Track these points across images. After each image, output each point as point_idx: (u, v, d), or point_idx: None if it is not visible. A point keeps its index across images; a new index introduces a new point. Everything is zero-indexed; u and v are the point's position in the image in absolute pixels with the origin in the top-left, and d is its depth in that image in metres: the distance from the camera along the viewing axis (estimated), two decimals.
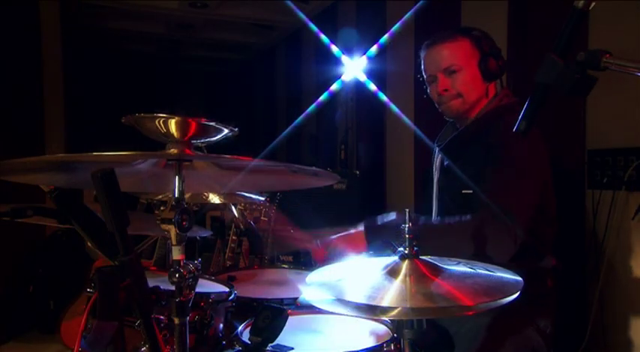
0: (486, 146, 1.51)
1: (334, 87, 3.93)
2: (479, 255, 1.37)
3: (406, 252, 1.03)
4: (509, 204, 1.39)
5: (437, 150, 1.75)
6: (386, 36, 3.35)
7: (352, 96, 4.25)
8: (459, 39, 1.59)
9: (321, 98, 4.16)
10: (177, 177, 1.01)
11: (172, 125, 0.96)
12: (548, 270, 1.58)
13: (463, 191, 1.54)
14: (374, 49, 3.42)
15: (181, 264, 0.99)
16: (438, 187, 1.70)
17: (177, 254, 1.00)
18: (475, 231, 1.38)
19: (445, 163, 1.66)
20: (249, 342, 1.19)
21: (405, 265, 1.01)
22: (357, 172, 3.69)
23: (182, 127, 0.97)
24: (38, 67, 4.05)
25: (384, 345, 1.24)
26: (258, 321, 1.19)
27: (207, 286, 1.62)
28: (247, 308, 1.56)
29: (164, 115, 0.95)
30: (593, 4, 0.89)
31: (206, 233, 2.00)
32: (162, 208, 0.98)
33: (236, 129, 1.03)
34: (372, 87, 3.47)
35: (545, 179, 1.54)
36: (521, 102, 1.60)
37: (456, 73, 1.58)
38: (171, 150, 0.99)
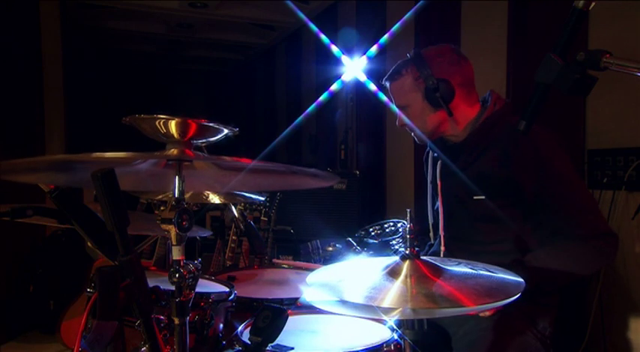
0: (498, 154, 1.52)
1: (334, 87, 3.93)
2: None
3: (407, 252, 1.03)
4: (594, 226, 1.44)
5: (431, 159, 1.76)
6: (386, 36, 3.35)
7: (352, 96, 4.25)
8: (402, 76, 1.62)
9: (321, 98, 4.16)
10: (177, 177, 1.01)
11: (172, 126, 0.96)
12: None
13: (475, 197, 1.55)
14: (374, 49, 3.42)
15: (181, 263, 0.99)
16: (444, 195, 1.69)
17: (177, 254, 1.00)
18: (585, 253, 1.44)
19: (452, 170, 1.66)
20: (249, 342, 1.19)
21: (405, 266, 1.01)
22: (357, 172, 3.70)
23: (182, 128, 0.97)
24: (38, 67, 4.05)
25: (384, 345, 1.23)
26: (258, 321, 1.19)
27: (207, 286, 1.62)
28: (247, 308, 1.56)
29: (164, 116, 0.95)
30: (593, 4, 0.89)
31: (206, 233, 1.99)
32: (162, 208, 0.98)
33: (236, 129, 1.03)
34: (372, 87, 3.47)
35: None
36: (512, 102, 1.61)
37: (406, 109, 1.65)
38: (172, 150, 0.99)
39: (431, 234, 1.84)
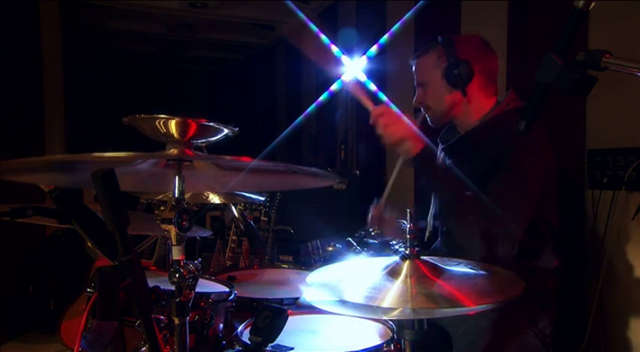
0: (495, 152, 1.52)
1: (334, 87, 3.93)
2: (473, 239, 1.45)
3: (407, 252, 1.03)
4: (510, 207, 1.41)
5: (440, 148, 1.76)
6: (386, 36, 3.34)
7: (352, 96, 4.24)
8: (426, 54, 1.68)
9: (321, 98, 4.16)
10: (177, 177, 1.01)
11: (172, 125, 0.96)
12: (550, 271, 1.58)
13: (467, 193, 1.55)
14: (374, 49, 3.42)
15: (181, 263, 0.99)
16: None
17: (177, 254, 1.00)
18: (482, 213, 1.41)
19: (447, 163, 1.67)
20: (249, 342, 1.19)
21: (405, 266, 1.01)
22: (357, 172, 3.69)
23: (182, 128, 0.97)
24: (38, 67, 4.05)
25: (384, 345, 1.23)
26: (258, 321, 1.19)
27: (207, 286, 1.62)
28: (247, 308, 1.56)
29: (164, 116, 0.95)
30: (593, 4, 0.89)
31: (206, 233, 2.00)
32: (162, 208, 0.98)
33: (236, 129, 1.03)
34: (372, 87, 3.47)
35: (548, 183, 1.54)
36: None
37: (425, 86, 1.69)
38: (172, 150, 0.99)
39: (429, 220, 1.85)
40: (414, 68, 1.72)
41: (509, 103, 1.62)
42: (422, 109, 1.73)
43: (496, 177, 1.47)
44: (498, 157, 1.50)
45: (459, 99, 1.63)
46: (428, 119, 1.73)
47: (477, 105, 1.63)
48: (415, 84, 1.73)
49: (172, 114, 0.96)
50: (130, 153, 0.88)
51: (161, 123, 0.96)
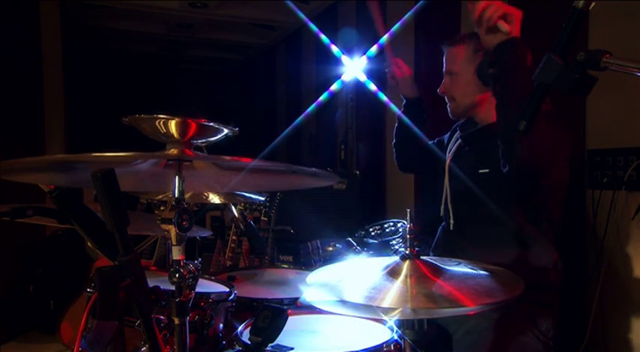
0: None
1: (334, 87, 3.93)
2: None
3: (407, 252, 1.03)
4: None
5: (457, 135, 1.77)
6: (386, 36, 3.34)
7: (352, 96, 4.25)
8: (462, 44, 1.65)
9: (321, 98, 4.16)
10: (177, 177, 1.01)
11: (172, 126, 0.96)
12: (550, 265, 1.58)
13: (480, 171, 1.58)
14: (374, 49, 3.42)
15: (181, 263, 0.99)
16: (451, 168, 1.72)
17: (177, 254, 1.00)
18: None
19: (466, 148, 1.69)
20: (249, 342, 1.19)
21: (405, 266, 1.01)
22: (357, 172, 3.69)
23: (182, 128, 0.97)
24: (38, 67, 4.05)
25: (384, 345, 1.23)
26: (258, 321, 1.19)
27: (207, 286, 1.62)
28: (247, 308, 1.56)
29: (164, 116, 0.95)
30: (593, 4, 0.89)
31: (206, 233, 2.00)
32: (162, 208, 0.98)
33: (236, 129, 1.03)
34: (372, 87, 3.46)
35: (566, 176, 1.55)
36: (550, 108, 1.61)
37: (454, 76, 1.67)
38: (172, 150, 0.99)
39: (442, 208, 1.84)
40: (445, 54, 1.69)
41: None
42: (445, 98, 1.71)
43: None
44: None
45: (485, 98, 1.62)
46: (448, 109, 1.72)
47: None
48: (444, 70, 1.70)
49: (172, 114, 0.96)
50: (130, 154, 0.88)
51: (161, 123, 0.96)
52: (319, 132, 5.00)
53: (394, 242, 2.55)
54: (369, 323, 1.43)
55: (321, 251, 2.46)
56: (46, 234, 3.87)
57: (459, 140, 1.74)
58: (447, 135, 1.90)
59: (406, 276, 0.98)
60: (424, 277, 0.98)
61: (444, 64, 1.70)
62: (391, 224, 2.77)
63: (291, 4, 4.28)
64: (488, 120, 1.66)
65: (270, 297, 1.66)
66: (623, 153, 2.05)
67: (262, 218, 2.88)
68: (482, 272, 1.04)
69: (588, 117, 2.20)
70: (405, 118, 1.93)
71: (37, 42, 4.02)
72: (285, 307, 1.26)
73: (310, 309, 1.48)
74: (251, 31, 5.63)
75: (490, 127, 1.64)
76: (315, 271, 1.11)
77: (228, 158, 0.94)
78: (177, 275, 0.98)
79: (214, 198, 1.67)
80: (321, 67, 4.71)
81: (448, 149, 1.81)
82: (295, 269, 2.09)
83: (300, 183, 1.41)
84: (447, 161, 1.75)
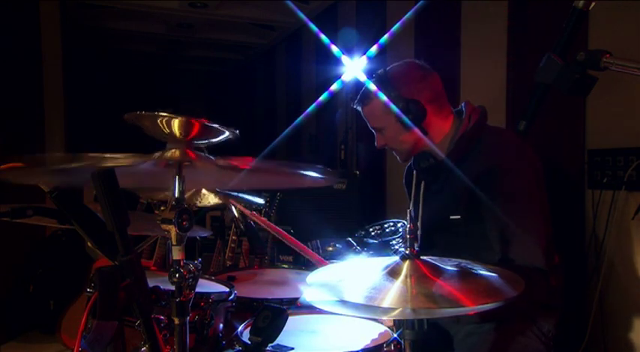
0: (476, 171, 1.49)
1: (334, 87, 3.92)
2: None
3: (407, 252, 1.03)
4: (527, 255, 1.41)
5: (415, 179, 1.75)
6: (386, 36, 3.34)
7: (352, 96, 4.25)
8: (372, 100, 1.62)
9: (321, 98, 4.16)
10: (177, 177, 1.01)
11: (175, 125, 0.96)
12: (551, 269, 1.57)
13: (451, 217, 1.55)
14: (374, 49, 3.42)
15: (181, 263, 0.99)
16: (425, 216, 1.68)
17: (177, 254, 1.00)
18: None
19: (432, 189, 1.66)
20: (249, 342, 1.19)
21: (405, 266, 1.01)
22: (357, 172, 3.69)
23: (185, 128, 0.96)
24: (38, 67, 4.05)
25: (384, 345, 1.23)
26: (258, 321, 1.19)
27: (207, 286, 1.62)
28: (247, 308, 1.56)
29: (167, 115, 0.94)
30: (593, 4, 0.89)
31: (206, 233, 2.00)
32: (162, 208, 0.98)
33: (237, 132, 1.02)
34: (372, 87, 3.47)
35: (543, 196, 1.52)
36: (485, 110, 1.59)
37: (381, 132, 1.66)
38: (173, 151, 0.99)
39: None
40: (362, 114, 1.68)
41: (471, 117, 1.60)
42: (387, 149, 1.70)
43: (493, 205, 1.43)
44: (481, 177, 1.47)
45: (418, 136, 1.60)
46: (397, 157, 1.71)
47: (437, 131, 1.61)
48: (370, 127, 1.69)
49: (173, 114, 0.95)
50: (131, 156, 0.88)
51: (163, 122, 0.95)
52: (319, 132, 5.00)
53: (394, 242, 2.55)
54: (369, 323, 1.43)
55: (321, 251, 2.46)
56: (46, 234, 3.87)
57: (422, 181, 1.70)
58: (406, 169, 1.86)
59: (406, 276, 0.98)
60: (424, 277, 0.98)
61: (368, 123, 1.69)
62: (391, 224, 2.77)
63: (291, 4, 4.28)
64: (434, 146, 1.61)
65: (270, 297, 1.66)
66: (623, 153, 2.05)
67: (262, 218, 2.88)
68: (482, 272, 1.04)
69: (588, 117, 2.20)
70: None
71: (37, 42, 4.01)
72: (285, 307, 1.26)
73: (310, 309, 1.48)
74: (251, 31, 5.63)
75: (449, 158, 1.58)
76: (315, 271, 1.11)
77: (228, 160, 0.94)
78: (177, 275, 0.98)
79: (214, 199, 1.67)
80: (321, 67, 4.71)
81: (412, 193, 1.76)
82: (295, 270, 2.09)
83: (300, 183, 1.41)
84: (420, 204, 1.71)
